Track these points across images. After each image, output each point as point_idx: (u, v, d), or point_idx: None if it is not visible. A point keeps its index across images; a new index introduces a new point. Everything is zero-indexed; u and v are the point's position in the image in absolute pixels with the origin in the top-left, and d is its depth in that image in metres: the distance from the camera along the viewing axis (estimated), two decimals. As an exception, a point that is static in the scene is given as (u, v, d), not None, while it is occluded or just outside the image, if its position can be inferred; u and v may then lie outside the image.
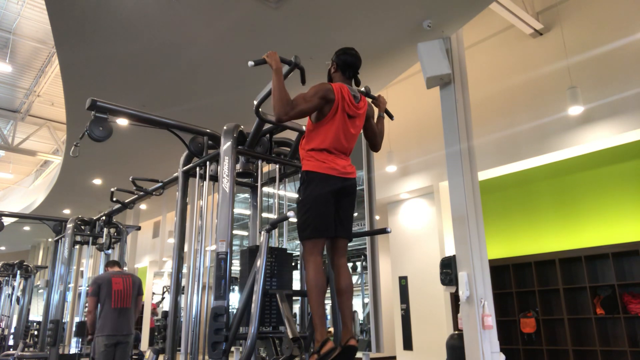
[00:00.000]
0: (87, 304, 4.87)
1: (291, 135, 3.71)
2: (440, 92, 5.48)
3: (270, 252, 3.03)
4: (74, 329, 6.51)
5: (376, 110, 3.06)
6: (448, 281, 5.43)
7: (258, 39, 5.47)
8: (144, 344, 11.87)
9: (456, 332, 5.75)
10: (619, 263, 6.31)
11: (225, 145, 3.20)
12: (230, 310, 2.90)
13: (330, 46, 5.81)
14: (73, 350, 6.34)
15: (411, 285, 8.30)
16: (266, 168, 4.01)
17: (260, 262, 2.75)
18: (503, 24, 7.29)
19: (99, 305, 4.60)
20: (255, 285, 2.72)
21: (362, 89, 3.03)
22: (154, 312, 13.24)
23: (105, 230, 6.39)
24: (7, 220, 8.25)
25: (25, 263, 9.15)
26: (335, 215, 2.62)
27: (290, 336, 2.67)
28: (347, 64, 2.79)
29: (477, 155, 5.38)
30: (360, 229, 4.63)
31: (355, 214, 2.77)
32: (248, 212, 4.25)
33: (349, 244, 2.80)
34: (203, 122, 3.83)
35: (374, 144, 2.97)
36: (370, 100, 3.08)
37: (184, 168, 3.76)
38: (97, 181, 10.81)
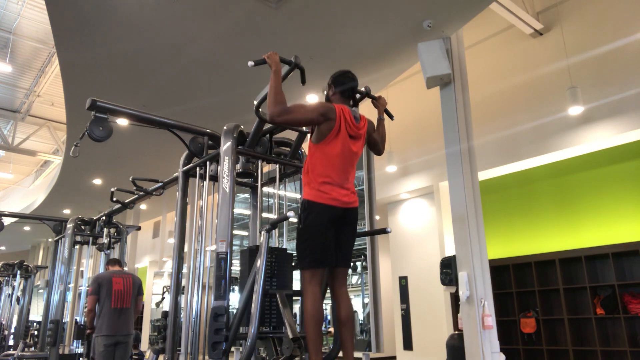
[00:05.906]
0: (87, 303, 4.87)
1: (291, 135, 3.71)
2: (440, 92, 5.48)
3: (270, 252, 3.03)
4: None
5: (376, 111, 3.05)
6: (448, 281, 5.43)
7: (258, 39, 5.47)
8: (144, 344, 11.86)
9: (456, 332, 5.74)
10: (619, 263, 6.30)
11: (225, 145, 3.19)
12: (230, 310, 2.90)
13: (330, 46, 5.85)
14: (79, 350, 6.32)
15: (411, 285, 8.30)
16: (266, 168, 4.00)
17: (260, 262, 2.75)
18: (503, 24, 7.28)
19: (98, 303, 4.60)
20: (255, 285, 2.72)
21: (363, 88, 3.03)
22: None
23: (105, 230, 6.39)
24: (7, 220, 8.24)
25: (25, 263, 9.14)
26: (336, 243, 2.59)
27: (290, 336, 2.67)
28: (345, 85, 2.76)
29: (477, 155, 5.38)
30: (360, 229, 4.62)
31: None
32: (248, 212, 4.24)
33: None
34: (203, 122, 3.83)
35: (378, 150, 2.98)
36: (370, 100, 3.08)
37: (184, 168, 3.76)
38: (97, 181, 10.81)
